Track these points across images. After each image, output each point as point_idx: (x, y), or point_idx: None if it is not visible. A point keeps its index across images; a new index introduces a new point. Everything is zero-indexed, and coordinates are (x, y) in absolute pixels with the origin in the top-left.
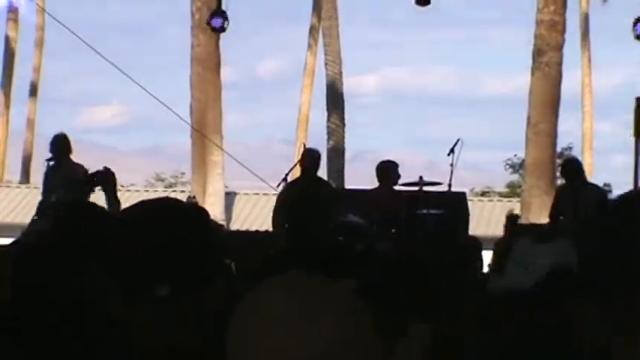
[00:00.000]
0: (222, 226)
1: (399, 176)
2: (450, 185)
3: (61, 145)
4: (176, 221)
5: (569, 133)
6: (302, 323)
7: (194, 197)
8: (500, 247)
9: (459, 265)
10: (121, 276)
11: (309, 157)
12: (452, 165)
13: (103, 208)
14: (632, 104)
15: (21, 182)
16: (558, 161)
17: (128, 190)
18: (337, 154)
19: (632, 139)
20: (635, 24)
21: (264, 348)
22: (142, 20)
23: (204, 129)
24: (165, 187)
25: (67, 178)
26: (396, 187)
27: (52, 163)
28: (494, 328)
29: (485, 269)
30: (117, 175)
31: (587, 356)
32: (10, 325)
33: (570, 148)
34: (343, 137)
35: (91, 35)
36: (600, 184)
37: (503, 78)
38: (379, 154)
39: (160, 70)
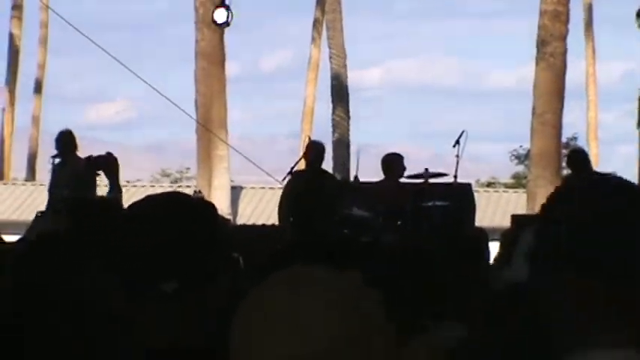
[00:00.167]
0: (228, 220)
1: (404, 168)
2: (455, 177)
3: (66, 141)
4: (184, 216)
5: (574, 124)
6: (306, 319)
7: (200, 192)
8: (507, 238)
9: (466, 258)
10: (127, 272)
11: (314, 150)
12: (457, 156)
13: (108, 203)
14: (636, 94)
15: (26, 179)
16: (564, 151)
17: (134, 186)
18: (342, 146)
19: (637, 131)
20: (638, 14)
21: (267, 344)
22: (145, 16)
23: (210, 124)
24: (171, 183)
25: (73, 175)
26: (402, 180)
27: (57, 159)
28: (498, 323)
29: (492, 261)
30: (122, 172)
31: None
32: (12, 323)
33: (575, 138)
34: (348, 130)
35: (95, 32)
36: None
37: (507, 69)
38: (384, 147)
39: (164, 65)
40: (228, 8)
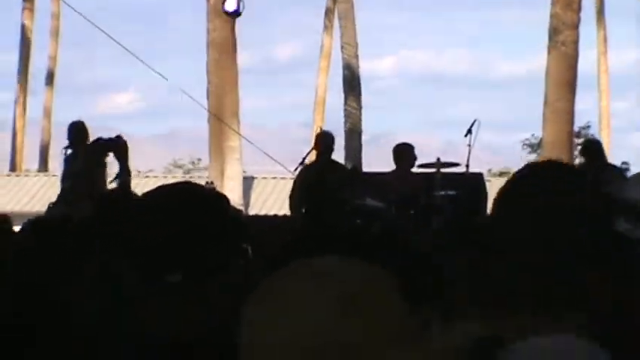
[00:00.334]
0: (240, 211)
1: (415, 158)
2: (467, 166)
3: (78, 132)
4: (197, 206)
5: (586, 112)
6: (317, 311)
7: (212, 183)
8: None
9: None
10: (137, 262)
11: (324, 140)
12: (469, 146)
13: (121, 193)
14: None
15: (39, 171)
16: (576, 140)
17: (146, 177)
18: (354, 136)
19: None
20: None
21: (277, 336)
22: (157, 6)
23: (222, 114)
24: (184, 173)
25: (83, 165)
26: (413, 169)
27: (69, 150)
28: None
29: None
30: (134, 162)
31: None
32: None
33: (588, 127)
34: (360, 120)
35: (107, 22)
36: (618, 163)
37: (519, 59)
38: (396, 136)
39: (176, 55)
40: None
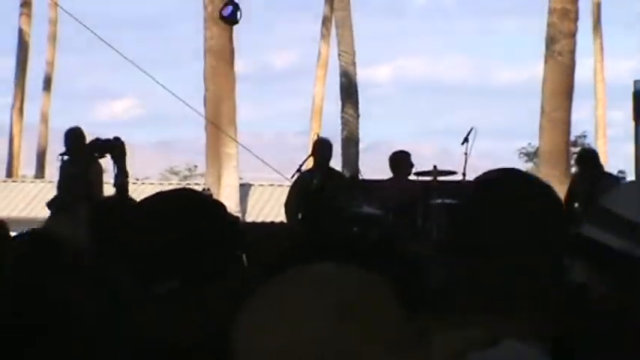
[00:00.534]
0: (237, 218)
1: (412, 166)
2: (464, 174)
3: (75, 139)
4: (194, 213)
5: (583, 121)
6: (313, 319)
7: (209, 189)
8: None
9: None
10: (136, 267)
11: (321, 148)
12: (466, 154)
13: (117, 199)
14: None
15: (36, 176)
16: (573, 149)
17: (143, 183)
18: (351, 144)
19: (632, 124)
20: None
21: (272, 343)
22: (155, 13)
23: (219, 122)
24: (180, 180)
25: (81, 172)
26: (410, 177)
27: (66, 157)
28: None
29: None
30: (131, 169)
31: None
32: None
33: (585, 136)
34: (357, 128)
35: (105, 29)
36: (614, 172)
37: (516, 67)
38: (393, 144)
39: (173, 63)
40: (236, 5)
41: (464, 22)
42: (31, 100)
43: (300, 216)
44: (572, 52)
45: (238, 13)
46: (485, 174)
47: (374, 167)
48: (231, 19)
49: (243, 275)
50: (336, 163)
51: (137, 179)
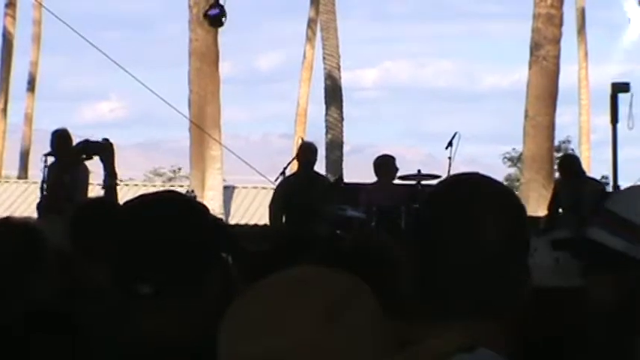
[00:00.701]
0: (221, 220)
1: (396, 170)
2: None
3: (61, 140)
4: (178, 215)
5: (567, 127)
6: (296, 323)
7: (193, 191)
8: None
9: None
10: (117, 271)
11: (306, 151)
12: (450, 158)
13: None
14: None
15: (19, 177)
16: (556, 154)
17: (126, 185)
18: (335, 147)
19: (610, 126)
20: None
21: (255, 348)
22: (139, 15)
23: (203, 123)
24: (164, 182)
25: (66, 174)
26: (395, 181)
27: (50, 158)
28: None
29: None
30: (116, 170)
31: None
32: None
33: (569, 141)
34: (342, 131)
35: (89, 30)
36: (598, 177)
37: (502, 72)
38: (378, 148)
39: (158, 64)
40: (222, 8)
41: (450, 26)
42: (15, 101)
43: (283, 219)
44: (557, 57)
45: (223, 16)
46: (447, 177)
47: (358, 170)
48: (216, 21)
49: (227, 277)
50: (320, 166)
51: (121, 180)
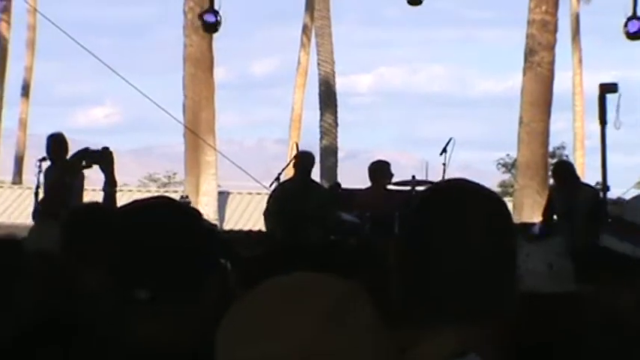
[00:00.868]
0: (215, 225)
1: (391, 175)
2: None
3: (57, 144)
4: (172, 221)
5: (561, 133)
6: (292, 328)
7: (187, 197)
8: None
9: None
10: (112, 277)
11: (303, 160)
12: (444, 164)
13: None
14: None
15: (14, 182)
16: (551, 161)
17: (121, 190)
18: (330, 153)
19: (599, 127)
20: (626, 23)
21: (252, 354)
22: (134, 21)
23: (198, 129)
24: (158, 187)
25: (62, 178)
26: (389, 187)
27: (46, 163)
28: None
29: None
30: (115, 178)
31: None
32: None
33: (563, 148)
34: (336, 137)
35: (84, 35)
36: (593, 183)
37: (496, 78)
38: (373, 153)
39: (153, 70)
40: (216, 14)
41: (445, 32)
42: (10, 106)
43: (279, 224)
44: (551, 63)
45: (218, 21)
46: (436, 183)
47: (353, 176)
48: (211, 26)
49: (225, 283)
50: (314, 171)
51: None
